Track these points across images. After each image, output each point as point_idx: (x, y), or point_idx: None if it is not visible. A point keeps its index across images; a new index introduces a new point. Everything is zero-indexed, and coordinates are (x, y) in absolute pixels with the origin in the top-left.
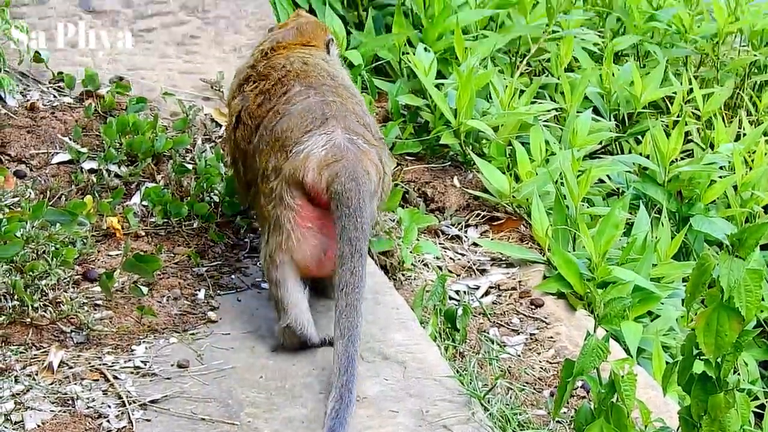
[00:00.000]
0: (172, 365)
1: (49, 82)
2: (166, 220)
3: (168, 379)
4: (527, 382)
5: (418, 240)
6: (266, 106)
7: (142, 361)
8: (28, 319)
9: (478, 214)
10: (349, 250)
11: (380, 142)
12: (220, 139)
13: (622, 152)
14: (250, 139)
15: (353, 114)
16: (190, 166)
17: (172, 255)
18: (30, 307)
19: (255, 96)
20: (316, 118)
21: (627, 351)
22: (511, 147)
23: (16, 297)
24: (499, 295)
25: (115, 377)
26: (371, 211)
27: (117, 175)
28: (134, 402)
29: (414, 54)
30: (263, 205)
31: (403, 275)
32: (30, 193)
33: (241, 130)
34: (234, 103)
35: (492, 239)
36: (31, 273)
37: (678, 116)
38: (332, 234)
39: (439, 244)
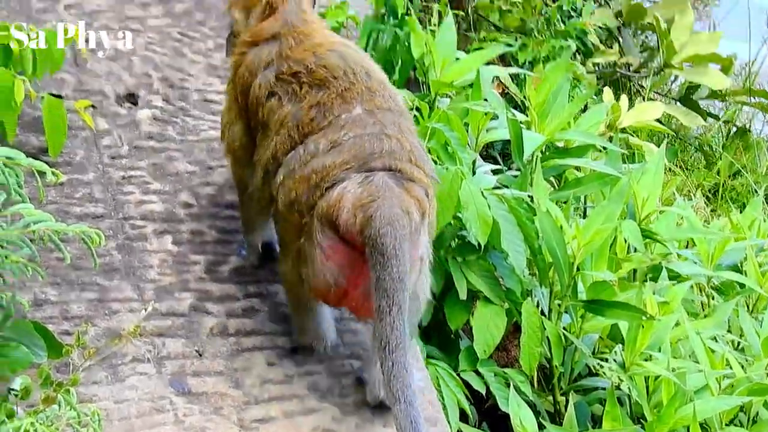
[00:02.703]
0: None
1: None
2: None
3: None
4: None
5: None
6: (318, 121)
7: None
8: None
9: None
10: (387, 303)
11: (431, 180)
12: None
13: None
14: (288, 151)
15: (408, 151)
16: None
17: None
18: None
19: (309, 108)
20: (363, 155)
21: None
22: None
23: None
24: None
25: None
26: (419, 252)
27: None
28: None
29: None
30: (287, 230)
31: None
32: None
33: (284, 142)
34: (272, 104)
35: None
36: None
37: None
38: (357, 275)
39: None
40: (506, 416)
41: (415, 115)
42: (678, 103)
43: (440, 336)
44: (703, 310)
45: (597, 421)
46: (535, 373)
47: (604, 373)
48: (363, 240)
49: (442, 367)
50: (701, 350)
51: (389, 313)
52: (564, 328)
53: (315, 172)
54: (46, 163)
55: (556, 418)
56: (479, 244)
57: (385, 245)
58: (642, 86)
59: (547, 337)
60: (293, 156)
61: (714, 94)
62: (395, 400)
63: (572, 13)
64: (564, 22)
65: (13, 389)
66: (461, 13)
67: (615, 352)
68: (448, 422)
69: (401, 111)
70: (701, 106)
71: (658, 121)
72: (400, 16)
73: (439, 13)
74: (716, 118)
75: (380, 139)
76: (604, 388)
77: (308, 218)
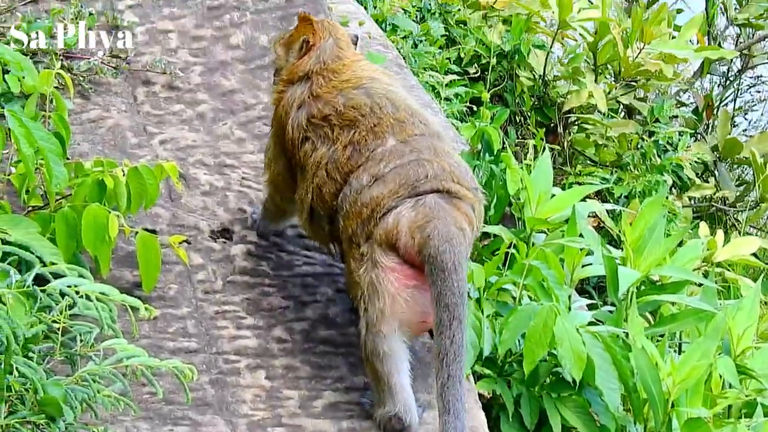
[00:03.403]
0: None
1: None
2: None
3: None
4: None
5: None
6: (356, 159)
7: None
8: None
9: None
10: (447, 317)
11: (474, 192)
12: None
13: None
14: (336, 193)
15: (449, 172)
16: None
17: None
18: None
19: (344, 148)
20: (409, 183)
21: None
22: None
23: None
24: None
25: None
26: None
27: None
28: None
29: None
30: (353, 270)
31: None
32: None
33: (326, 184)
34: (307, 148)
35: None
36: None
37: None
38: (421, 292)
39: None
40: None
41: (511, 252)
42: None
43: None
44: None
45: None
46: None
47: None
48: (422, 259)
49: None
50: None
51: (450, 326)
52: None
53: (365, 205)
54: (140, 298)
55: None
56: (574, 381)
57: (445, 262)
58: (738, 220)
59: None
60: (342, 199)
61: None
62: (444, 410)
63: (668, 148)
64: (660, 157)
65: None
66: (557, 147)
67: None
68: None
69: (434, 133)
70: None
71: (754, 255)
72: (495, 151)
73: (535, 147)
74: None
75: (422, 164)
76: None
77: (366, 248)
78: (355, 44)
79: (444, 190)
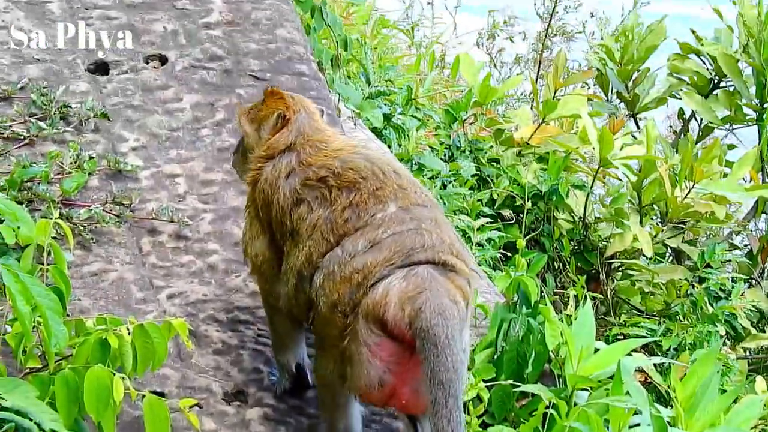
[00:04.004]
0: None
1: None
2: None
3: None
4: None
5: None
6: (354, 222)
7: None
8: None
9: None
10: (443, 395)
11: (472, 272)
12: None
13: None
14: (324, 254)
15: (448, 245)
16: None
17: None
18: None
19: (342, 210)
20: (404, 251)
21: None
22: None
23: None
24: None
25: None
26: (463, 344)
27: None
28: None
29: None
30: (329, 333)
31: None
32: None
33: (318, 244)
34: (301, 211)
35: None
36: None
37: None
38: (405, 371)
39: None
40: None
41: (550, 413)
42: None
43: None
44: None
45: None
46: None
47: None
48: (413, 333)
49: None
50: None
51: (445, 404)
52: None
53: (356, 271)
54: None
55: None
56: None
57: (437, 335)
58: None
59: None
60: (331, 258)
61: None
62: None
63: (720, 295)
64: (712, 305)
65: None
66: (599, 295)
67: None
68: None
69: (434, 205)
70: None
71: None
72: (533, 303)
73: (575, 296)
74: None
75: (420, 234)
76: None
77: (352, 318)
78: (322, 115)
79: (439, 261)
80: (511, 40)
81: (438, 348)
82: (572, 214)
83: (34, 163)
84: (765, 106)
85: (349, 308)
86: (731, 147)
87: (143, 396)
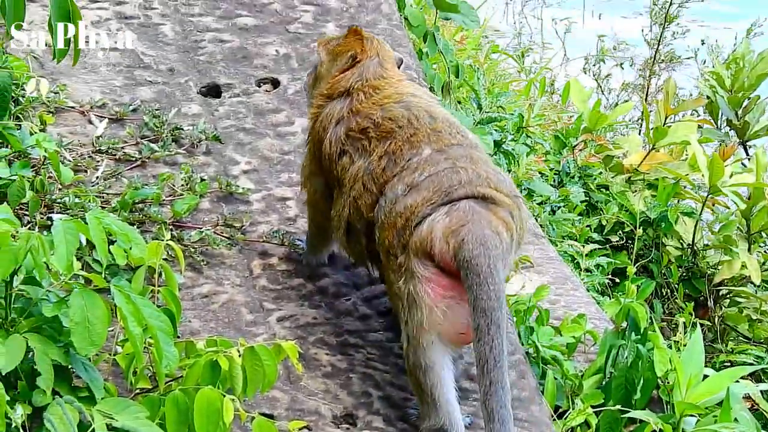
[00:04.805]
0: None
1: None
2: None
3: None
4: None
5: None
6: (391, 169)
7: None
8: None
9: None
10: (485, 322)
11: (514, 199)
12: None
13: None
14: (373, 206)
15: (484, 179)
16: None
17: None
18: None
19: (379, 158)
20: (442, 189)
21: None
22: None
23: None
24: None
25: None
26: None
27: None
28: None
29: None
30: (393, 281)
31: None
32: None
33: (362, 196)
34: (344, 162)
35: None
36: None
37: None
38: (460, 302)
39: None
40: None
41: None
42: None
43: None
44: None
45: None
46: None
47: None
48: (458, 264)
49: None
50: None
51: (488, 332)
52: None
53: (399, 215)
54: None
55: None
56: None
57: (480, 265)
58: None
59: None
60: (378, 210)
61: None
62: (489, 418)
63: None
64: None
65: None
66: (707, 322)
67: None
68: None
69: (471, 144)
70: None
71: None
72: (642, 330)
73: (684, 323)
74: None
75: (456, 171)
76: None
77: (403, 258)
78: (399, 66)
79: (479, 195)
80: (621, 66)
81: (480, 277)
82: (681, 240)
83: (146, 184)
84: None
85: (399, 250)
86: None
87: (253, 418)
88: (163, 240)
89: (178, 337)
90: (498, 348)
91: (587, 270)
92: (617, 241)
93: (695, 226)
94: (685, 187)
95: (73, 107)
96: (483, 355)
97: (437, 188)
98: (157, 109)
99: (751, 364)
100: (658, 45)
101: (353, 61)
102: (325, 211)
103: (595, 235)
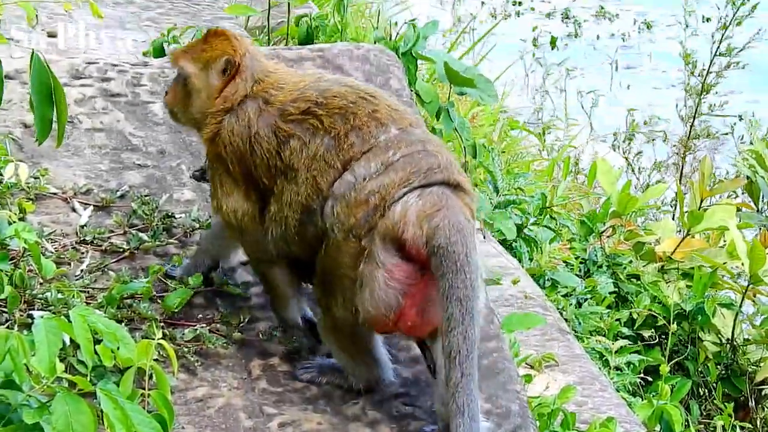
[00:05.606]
0: None
1: None
2: None
3: None
4: None
5: None
6: (359, 146)
7: None
8: None
9: None
10: (460, 312)
11: (474, 191)
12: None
13: None
14: (332, 181)
15: (454, 164)
16: None
17: None
18: None
19: (346, 134)
20: (421, 171)
21: None
22: None
23: None
24: None
25: None
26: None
27: None
28: None
29: None
30: (342, 264)
31: None
32: None
33: (324, 172)
34: (293, 146)
35: None
36: None
37: None
38: (416, 292)
39: None
40: None
41: None
42: None
43: None
44: None
45: None
46: None
47: None
48: (429, 251)
49: None
50: None
51: (462, 321)
52: None
53: (373, 193)
54: None
55: None
56: None
57: (457, 252)
58: None
59: None
60: (341, 184)
61: None
62: (458, 412)
63: None
64: None
65: None
66: (748, 425)
67: None
68: None
69: (422, 123)
70: None
71: None
72: None
73: (723, 427)
74: None
75: (432, 155)
76: None
77: (367, 242)
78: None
79: (453, 182)
80: (652, 142)
81: (457, 265)
82: (719, 335)
83: (135, 278)
84: None
85: (364, 231)
86: None
87: None
88: (153, 339)
89: None
90: (471, 339)
91: (617, 368)
92: (649, 337)
93: (735, 319)
94: (723, 276)
95: (55, 193)
96: (456, 345)
97: (415, 170)
98: (146, 195)
99: None
100: (693, 119)
101: (229, 64)
102: (254, 230)
103: (626, 330)
